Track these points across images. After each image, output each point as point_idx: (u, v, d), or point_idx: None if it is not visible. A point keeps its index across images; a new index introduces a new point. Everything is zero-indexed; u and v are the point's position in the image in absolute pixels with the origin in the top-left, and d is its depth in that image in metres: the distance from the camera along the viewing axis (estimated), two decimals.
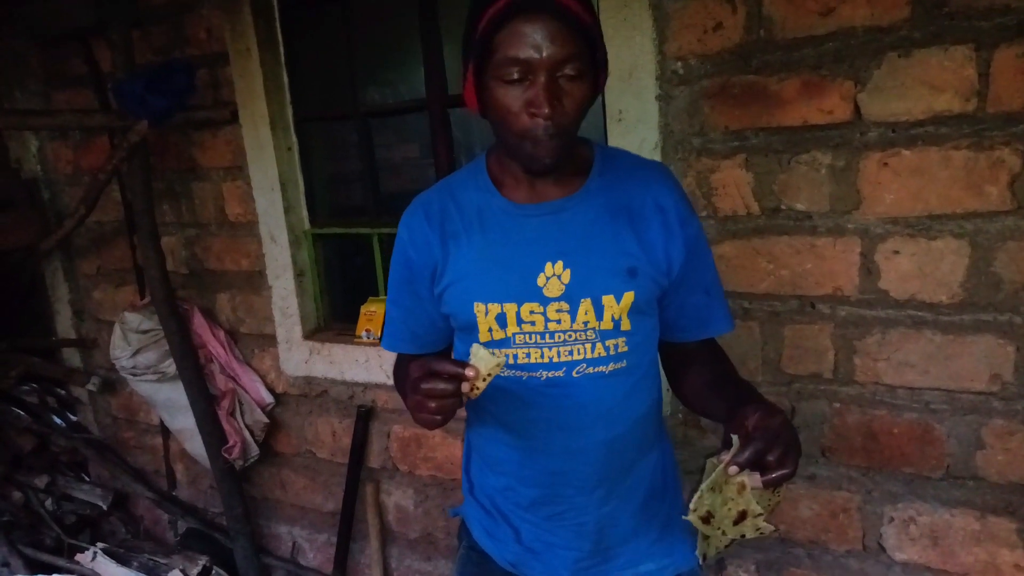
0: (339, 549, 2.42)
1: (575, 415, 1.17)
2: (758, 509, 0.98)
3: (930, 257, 1.50)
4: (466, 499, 1.38)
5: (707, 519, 1.01)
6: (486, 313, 1.15)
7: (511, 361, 1.16)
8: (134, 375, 2.53)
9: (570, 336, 1.14)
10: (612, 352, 1.15)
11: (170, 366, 2.46)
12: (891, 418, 1.60)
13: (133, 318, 2.50)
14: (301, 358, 2.37)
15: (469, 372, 0.98)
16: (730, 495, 0.98)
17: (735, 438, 0.99)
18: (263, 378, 2.48)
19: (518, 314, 1.14)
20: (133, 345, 2.51)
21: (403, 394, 1.23)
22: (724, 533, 1.01)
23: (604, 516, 1.23)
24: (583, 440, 1.19)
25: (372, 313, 2.26)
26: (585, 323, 1.13)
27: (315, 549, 2.55)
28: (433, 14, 2.00)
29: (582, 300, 1.12)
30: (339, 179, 2.40)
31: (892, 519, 1.64)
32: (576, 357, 1.14)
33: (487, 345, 1.12)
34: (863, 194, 1.54)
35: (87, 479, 3.04)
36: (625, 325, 1.15)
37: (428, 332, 1.28)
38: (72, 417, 3.07)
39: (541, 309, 1.13)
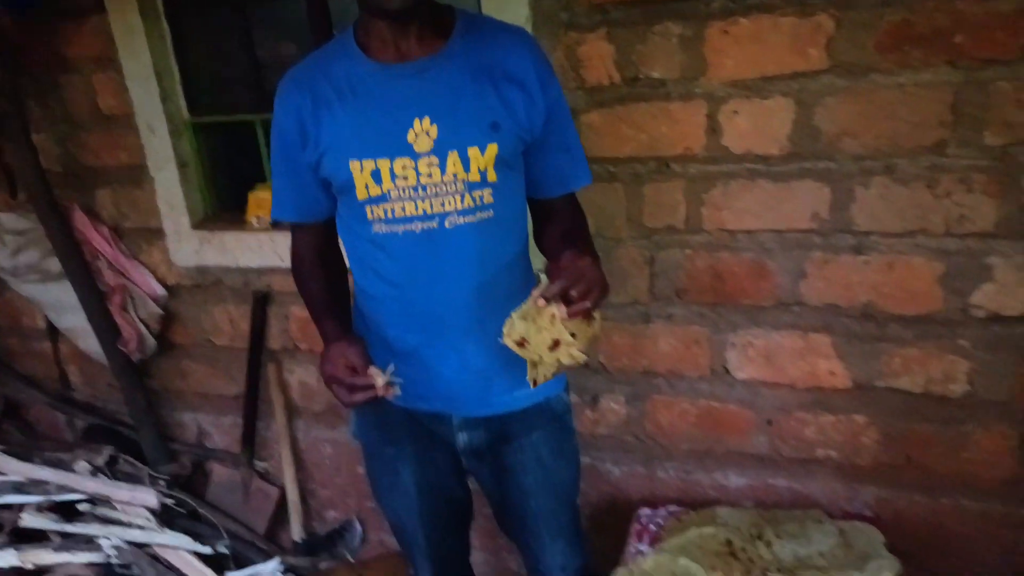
0: (246, 429, 2.53)
1: (449, 263, 1.32)
2: (570, 338, 1.16)
3: (763, 115, 1.73)
4: None
5: (522, 343, 1.19)
6: (361, 170, 1.26)
7: (390, 215, 1.29)
8: (15, 276, 2.50)
9: (441, 188, 1.27)
10: (479, 203, 1.29)
11: (54, 264, 2.44)
12: (732, 259, 1.86)
13: (7, 218, 2.45)
14: (192, 248, 2.40)
15: (374, 380, 1.24)
16: (543, 324, 1.16)
17: (543, 276, 1.18)
18: (153, 271, 2.50)
19: (391, 169, 1.26)
20: (10, 246, 2.47)
21: (309, 307, 1.47)
22: (543, 359, 1.19)
23: (481, 351, 1.39)
24: (458, 286, 1.34)
25: (260, 199, 2.31)
26: (454, 175, 1.26)
27: (221, 432, 2.65)
28: None
29: (449, 153, 1.25)
30: (218, 67, 2.38)
31: (734, 345, 1.93)
32: (447, 208, 1.28)
33: (366, 203, 1.27)
34: (708, 61, 1.73)
35: None
36: (491, 176, 1.29)
37: (310, 201, 1.39)
38: None
39: (412, 164, 1.26)
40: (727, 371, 1.96)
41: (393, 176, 1.27)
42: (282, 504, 2.56)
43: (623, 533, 1.89)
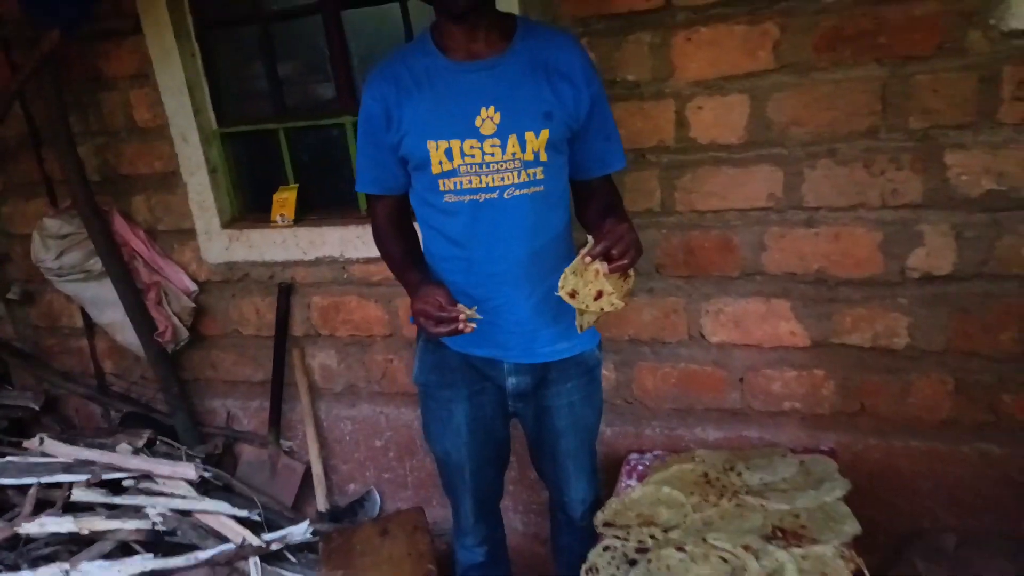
0: (272, 411, 2.79)
1: (507, 228, 1.59)
2: (611, 289, 1.44)
3: (723, 110, 2.01)
4: None
5: (573, 295, 1.47)
6: (436, 148, 1.54)
7: (459, 187, 1.56)
8: (59, 276, 2.75)
9: (501, 166, 1.55)
10: (532, 178, 1.57)
11: (96, 264, 2.69)
12: (702, 236, 2.13)
13: (52, 223, 2.70)
14: (221, 246, 2.66)
15: (459, 315, 1.46)
16: (589, 279, 1.45)
17: (590, 238, 1.46)
18: (185, 268, 2.76)
19: (461, 148, 1.53)
20: (53, 250, 2.71)
21: (391, 266, 1.74)
22: (589, 308, 1.47)
23: (531, 308, 1.66)
24: (514, 249, 1.61)
25: (284, 199, 2.58)
26: (513, 154, 1.54)
27: (248, 415, 2.90)
28: None
29: (510, 136, 1.53)
30: (243, 81, 2.65)
31: (707, 312, 2.20)
32: (506, 182, 1.56)
33: (439, 176, 1.55)
34: (675, 64, 2.02)
35: (12, 388, 3.21)
36: (543, 157, 1.56)
37: (389, 176, 1.66)
38: None
39: (479, 144, 1.53)
40: (703, 336, 2.23)
41: (463, 154, 1.54)
42: (307, 479, 2.80)
43: (615, 484, 2.14)
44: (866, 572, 1.44)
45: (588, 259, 1.43)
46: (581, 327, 1.51)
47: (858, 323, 2.05)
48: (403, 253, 1.72)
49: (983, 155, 1.83)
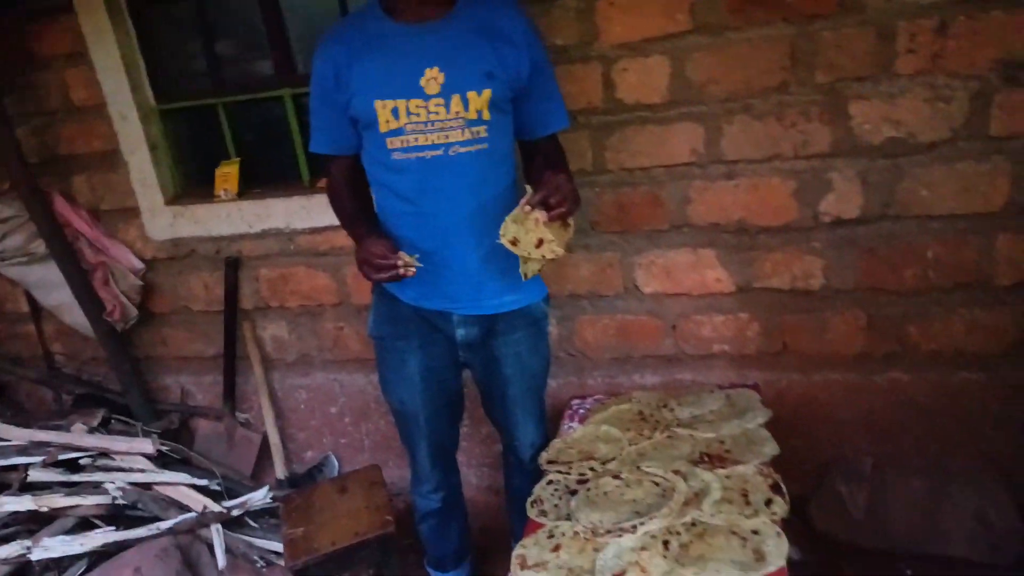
0: (226, 384, 2.84)
1: (453, 184, 1.68)
2: (551, 237, 1.54)
3: (646, 71, 2.12)
4: None
5: (515, 243, 1.56)
6: (383, 107, 1.62)
7: (406, 145, 1.64)
8: (2, 260, 2.74)
9: (446, 124, 1.64)
10: (476, 137, 1.66)
11: (39, 246, 2.69)
12: (632, 193, 2.25)
13: None
14: (166, 223, 2.69)
15: (398, 261, 1.56)
16: (529, 227, 1.54)
17: (529, 188, 1.56)
18: (131, 247, 2.77)
19: (407, 107, 1.62)
20: None
21: (343, 222, 1.83)
22: (531, 256, 1.57)
23: (478, 261, 1.75)
24: (461, 203, 1.70)
25: (226, 174, 2.62)
26: (456, 113, 1.63)
27: (202, 390, 2.94)
28: None
29: (453, 95, 1.62)
30: (180, 58, 2.66)
31: (640, 265, 2.32)
32: (451, 140, 1.65)
33: (386, 135, 1.63)
34: (599, 28, 2.12)
35: None
36: (486, 116, 1.65)
37: (341, 136, 1.74)
38: None
39: (424, 104, 1.62)
40: (637, 288, 2.36)
41: (408, 113, 1.62)
42: (265, 449, 2.86)
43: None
44: (782, 486, 1.59)
45: (527, 208, 1.53)
46: (525, 275, 1.61)
47: (777, 267, 2.20)
48: (354, 210, 1.81)
49: (883, 105, 1.99)
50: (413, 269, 1.57)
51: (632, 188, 2.25)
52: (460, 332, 1.84)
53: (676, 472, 1.66)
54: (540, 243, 1.53)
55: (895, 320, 2.16)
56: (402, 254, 1.58)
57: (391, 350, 1.90)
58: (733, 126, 2.10)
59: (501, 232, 1.56)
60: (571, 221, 1.60)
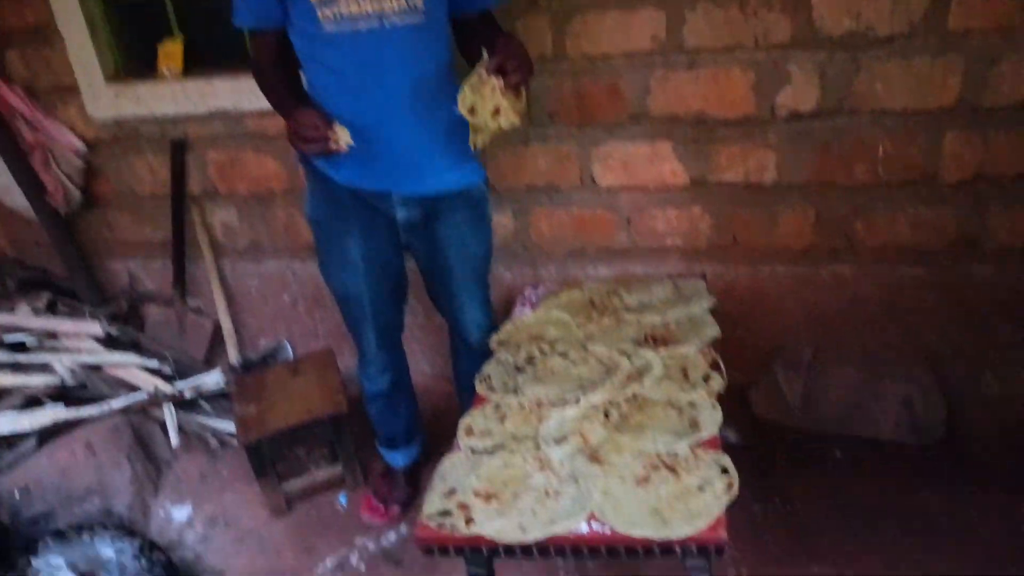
0: (175, 270, 2.79)
1: (389, 57, 1.63)
2: (507, 105, 1.53)
3: None
4: None
5: (472, 111, 1.55)
6: None
7: (338, 17, 1.58)
8: None
9: None
10: (411, 7, 1.60)
11: None
12: (592, 83, 2.21)
13: None
14: (107, 102, 2.57)
15: (330, 134, 1.54)
16: (486, 94, 1.53)
17: (485, 53, 1.52)
18: (71, 127, 2.66)
19: None
20: None
21: (271, 98, 1.76)
22: (487, 124, 1.55)
23: (417, 138, 1.71)
24: (397, 77, 1.65)
25: (169, 51, 2.50)
26: None
27: (152, 276, 2.90)
28: None
29: None
30: None
31: (598, 157, 2.31)
32: (386, 9, 1.59)
33: (318, 5, 1.56)
34: None
35: None
36: None
37: (266, 8, 1.65)
38: None
39: None
40: (594, 181, 2.35)
41: None
42: (217, 336, 2.86)
43: None
44: (721, 364, 1.64)
45: (484, 73, 1.51)
46: (475, 145, 1.60)
47: (732, 161, 2.21)
48: (283, 88, 1.74)
49: None
50: (345, 144, 1.54)
51: (592, 78, 2.21)
52: (401, 213, 1.82)
53: (621, 352, 1.71)
54: (497, 111, 1.53)
55: (843, 216, 2.21)
56: (336, 125, 1.54)
57: (330, 233, 1.87)
58: (695, 13, 2.06)
59: (459, 100, 1.55)
60: (523, 91, 1.59)
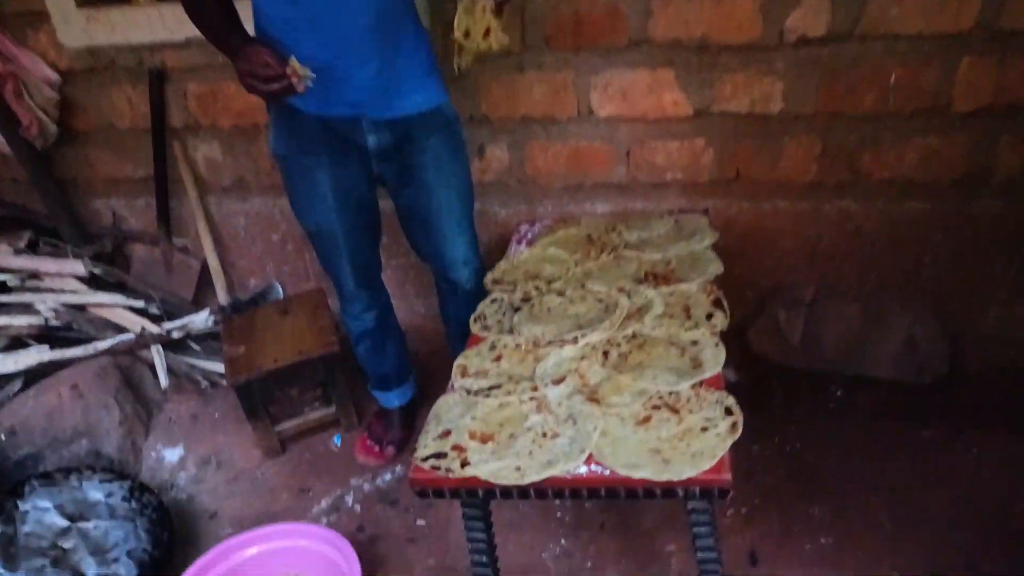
0: (159, 208, 2.70)
1: None
2: (497, 25, 1.52)
3: None
4: None
5: (467, 35, 1.54)
6: None
7: None
8: None
9: None
10: None
11: None
12: (591, 4, 2.09)
13: None
14: (79, 28, 2.44)
15: (288, 71, 1.43)
16: (478, 16, 1.52)
17: None
18: (43, 56, 2.53)
19: None
20: None
21: (208, 32, 1.62)
22: (479, 46, 1.56)
23: (382, 66, 1.61)
24: (359, 12, 1.54)
25: None
26: None
27: (135, 214, 2.81)
28: None
29: None
30: None
31: (595, 86, 2.21)
32: None
33: None
34: None
35: None
36: None
37: None
38: None
39: None
40: (591, 111, 2.25)
41: None
42: (205, 276, 2.79)
43: None
44: (724, 301, 1.59)
45: None
46: (459, 68, 1.57)
47: (737, 90, 2.11)
48: (221, 17, 1.61)
49: None
50: (307, 80, 1.44)
51: None
52: (371, 139, 1.72)
53: (620, 290, 1.65)
54: (487, 32, 1.54)
55: (850, 148, 2.12)
56: (293, 61, 1.44)
57: (298, 169, 1.78)
58: None
59: (455, 24, 1.54)
60: (504, 12, 1.61)
